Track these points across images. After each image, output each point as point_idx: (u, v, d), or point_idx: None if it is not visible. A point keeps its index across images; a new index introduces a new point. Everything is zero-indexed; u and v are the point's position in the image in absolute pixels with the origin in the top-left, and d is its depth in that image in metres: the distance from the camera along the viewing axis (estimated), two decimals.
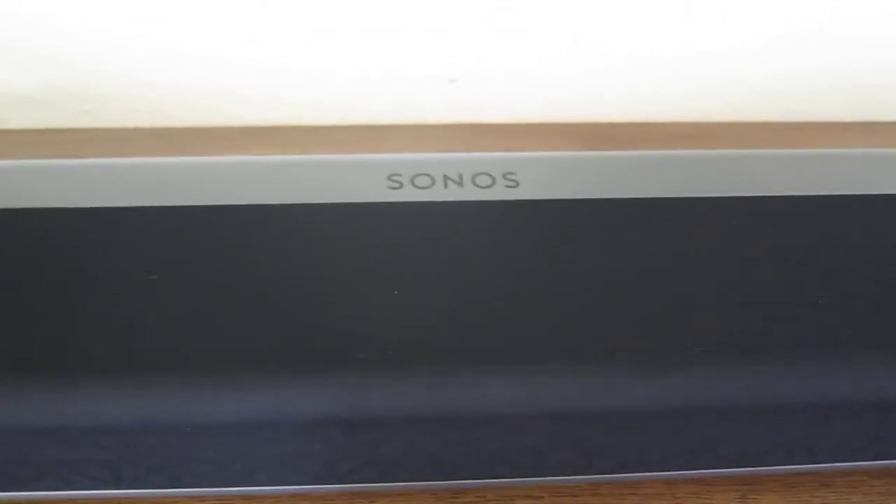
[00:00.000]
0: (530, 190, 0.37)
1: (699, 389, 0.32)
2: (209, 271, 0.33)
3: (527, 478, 0.33)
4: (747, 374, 0.32)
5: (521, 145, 0.53)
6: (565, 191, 0.37)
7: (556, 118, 0.56)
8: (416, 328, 0.32)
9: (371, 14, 0.51)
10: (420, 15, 0.52)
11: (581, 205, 0.36)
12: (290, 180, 0.36)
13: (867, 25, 0.54)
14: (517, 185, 0.37)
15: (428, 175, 0.37)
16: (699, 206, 0.36)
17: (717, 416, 0.33)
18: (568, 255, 0.35)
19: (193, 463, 0.32)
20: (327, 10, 0.51)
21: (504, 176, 0.37)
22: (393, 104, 0.55)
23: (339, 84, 0.54)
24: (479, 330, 0.32)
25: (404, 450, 0.32)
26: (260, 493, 0.33)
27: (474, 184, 0.37)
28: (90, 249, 0.34)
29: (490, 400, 0.32)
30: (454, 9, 0.52)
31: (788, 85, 0.56)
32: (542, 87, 0.55)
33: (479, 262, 0.34)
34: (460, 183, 0.37)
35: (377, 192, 0.36)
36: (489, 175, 0.37)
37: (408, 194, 0.36)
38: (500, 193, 0.37)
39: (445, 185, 0.37)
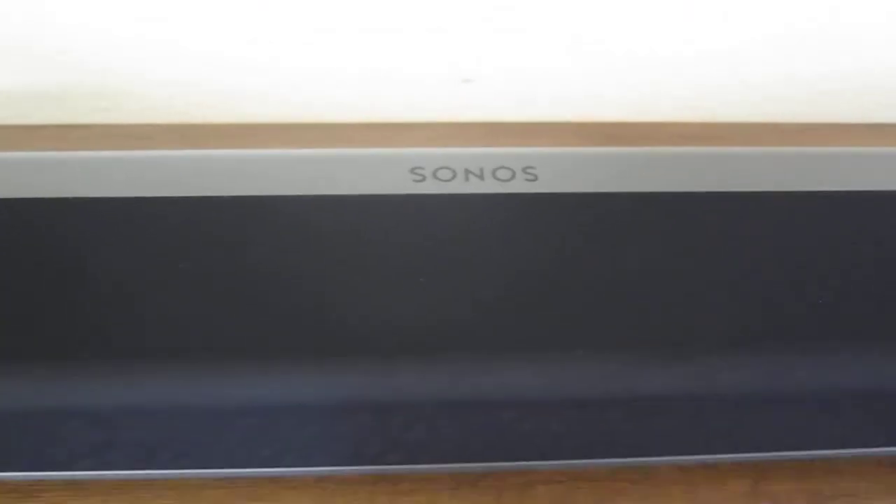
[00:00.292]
0: (549, 183, 0.38)
1: (715, 377, 0.33)
2: (245, 260, 0.34)
3: (546, 461, 0.34)
4: (761, 362, 0.33)
5: (531, 144, 0.54)
6: (582, 185, 0.38)
7: (562, 118, 0.57)
8: (441, 315, 0.33)
9: (385, 15, 0.52)
10: (431, 16, 0.53)
11: (598, 198, 0.37)
12: (317, 173, 0.38)
13: (870, 26, 0.55)
14: (536, 178, 0.38)
15: (450, 169, 0.38)
16: (714, 201, 0.37)
17: (732, 404, 0.33)
18: (585, 246, 0.36)
19: (224, 445, 0.33)
20: (341, 12, 0.52)
21: (523, 170, 0.38)
22: (404, 104, 0.56)
23: (352, 84, 0.55)
24: (501, 317, 0.33)
25: (428, 434, 0.33)
26: (288, 474, 0.34)
27: (495, 177, 0.38)
28: (131, 239, 0.35)
29: (511, 386, 0.33)
30: (463, 9, 0.52)
31: (794, 87, 0.57)
32: (549, 88, 0.56)
33: (500, 252, 0.35)
34: (481, 176, 0.38)
35: (401, 185, 0.37)
36: (509, 169, 0.38)
37: (431, 187, 0.37)
38: (519, 186, 0.38)
39: (467, 179, 0.38)
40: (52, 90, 0.54)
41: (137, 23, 0.52)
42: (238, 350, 0.32)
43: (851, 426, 0.34)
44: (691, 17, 0.53)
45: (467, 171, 0.38)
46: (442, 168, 0.38)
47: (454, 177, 0.38)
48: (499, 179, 0.38)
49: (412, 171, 0.38)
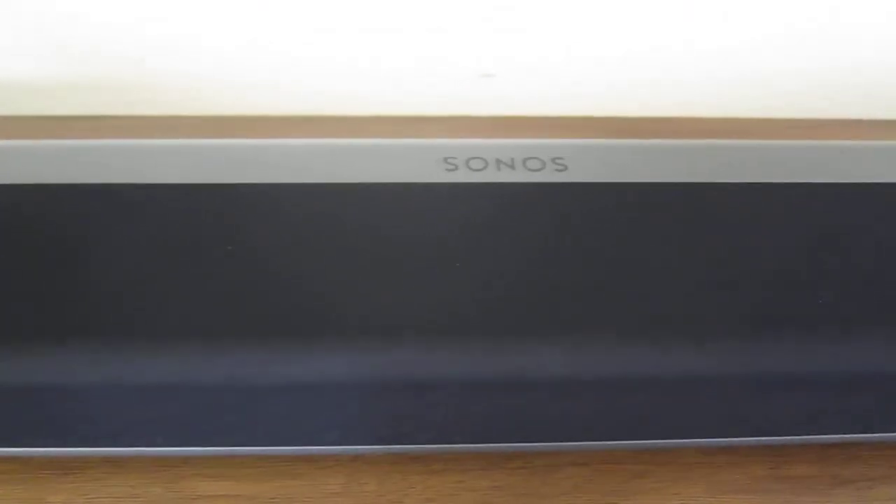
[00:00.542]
0: (578, 173, 0.39)
1: (737, 362, 0.34)
2: (288, 244, 0.35)
3: (573, 442, 0.35)
4: (784, 346, 0.34)
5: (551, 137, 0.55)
6: (611, 175, 0.39)
7: (580, 113, 0.57)
8: (474, 298, 0.34)
9: (410, 12, 0.53)
10: (452, 14, 0.54)
11: (626, 188, 0.38)
12: (352, 162, 0.39)
13: (873, 25, 0.55)
14: (566, 168, 0.39)
15: (482, 158, 0.39)
16: (742, 192, 0.38)
17: (753, 388, 0.34)
18: (613, 233, 0.37)
19: (261, 424, 0.34)
20: (364, 9, 0.53)
21: (553, 160, 0.39)
22: (425, 98, 0.57)
23: (374, 78, 0.56)
24: (532, 301, 0.34)
25: (459, 415, 0.34)
26: (322, 452, 0.35)
27: (525, 167, 0.39)
28: (165, 223, 0.36)
29: (540, 368, 0.34)
30: (477, 8, 0.53)
31: (809, 83, 0.58)
32: (565, 83, 0.57)
33: (531, 238, 0.36)
34: (512, 166, 0.39)
35: (435, 174, 0.38)
36: (539, 159, 0.39)
37: (463, 176, 0.38)
38: (549, 176, 0.39)
39: (498, 168, 0.39)
40: (83, 82, 0.55)
41: (165, 21, 0.53)
42: (277, 331, 0.33)
43: (872, 410, 0.35)
44: (708, 12, 0.54)
45: (498, 161, 0.39)
46: (474, 158, 0.39)
47: (486, 166, 0.39)
48: (529, 169, 0.39)
49: (445, 160, 0.39)
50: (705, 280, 0.35)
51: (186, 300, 0.33)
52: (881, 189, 0.39)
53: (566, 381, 0.34)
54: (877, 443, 0.37)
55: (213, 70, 0.56)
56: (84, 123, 0.54)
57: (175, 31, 0.54)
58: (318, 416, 0.34)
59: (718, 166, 0.39)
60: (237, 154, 0.39)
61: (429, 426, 0.34)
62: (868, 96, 0.58)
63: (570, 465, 0.36)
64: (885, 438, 0.36)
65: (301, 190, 0.37)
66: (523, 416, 0.34)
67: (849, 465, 0.36)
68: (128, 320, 0.33)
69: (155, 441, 0.34)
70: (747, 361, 0.34)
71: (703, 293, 0.35)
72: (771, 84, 0.58)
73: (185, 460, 0.35)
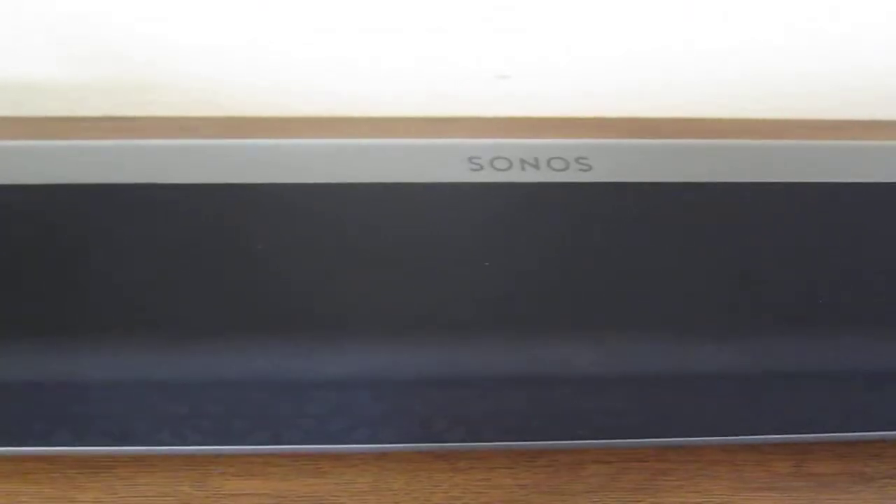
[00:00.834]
0: (602, 173, 0.39)
1: (760, 359, 0.34)
2: (315, 241, 0.36)
3: (598, 440, 0.35)
4: (807, 344, 0.34)
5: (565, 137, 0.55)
6: (635, 174, 0.39)
7: (592, 114, 0.58)
8: (501, 296, 0.34)
9: (429, 14, 0.54)
10: (465, 15, 0.54)
11: (650, 187, 0.39)
12: (378, 161, 0.39)
13: (874, 25, 0.56)
14: (590, 168, 0.39)
15: (506, 158, 0.39)
16: (763, 191, 0.39)
17: (776, 385, 0.35)
18: (637, 232, 0.37)
19: (288, 422, 0.34)
20: (383, 11, 0.53)
21: (577, 160, 0.39)
22: (444, 99, 0.57)
23: (394, 79, 0.56)
24: (558, 298, 0.35)
25: (486, 413, 0.34)
26: (349, 451, 0.36)
27: (549, 167, 0.39)
28: (190, 221, 0.36)
29: (565, 367, 0.34)
30: (484, 9, 0.54)
31: (819, 85, 0.58)
32: (577, 84, 0.57)
33: (556, 236, 0.37)
34: (536, 166, 0.39)
35: (460, 174, 0.39)
36: (563, 159, 0.40)
37: (488, 175, 0.39)
38: (573, 176, 0.39)
39: (523, 168, 0.39)
40: (101, 84, 0.56)
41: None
42: (306, 330, 0.33)
43: (895, 408, 0.35)
44: (721, 13, 0.54)
45: (523, 161, 0.39)
46: (498, 158, 0.39)
47: (510, 166, 0.39)
48: (554, 169, 0.39)
49: (470, 160, 0.39)
50: (728, 279, 0.36)
51: (219, 299, 0.34)
52: None
53: (592, 379, 0.34)
54: None
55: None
56: (89, 124, 0.55)
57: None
58: (345, 414, 0.34)
59: (745, 166, 0.40)
60: (260, 154, 0.39)
61: (456, 424, 0.35)
62: (872, 97, 0.58)
63: (594, 463, 0.36)
64: None
65: (326, 190, 0.37)
66: (549, 414, 0.35)
67: (871, 463, 0.37)
68: (158, 320, 0.33)
69: (184, 440, 0.34)
70: (770, 359, 0.34)
71: (728, 291, 0.35)
72: (780, 84, 0.58)
73: (214, 459, 0.36)
